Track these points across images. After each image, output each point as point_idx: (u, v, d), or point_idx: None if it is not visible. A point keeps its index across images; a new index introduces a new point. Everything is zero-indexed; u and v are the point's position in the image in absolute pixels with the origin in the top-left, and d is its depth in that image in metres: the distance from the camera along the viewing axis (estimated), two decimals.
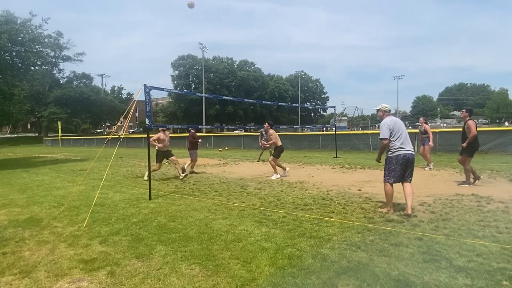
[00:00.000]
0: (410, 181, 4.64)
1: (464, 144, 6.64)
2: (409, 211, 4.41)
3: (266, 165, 11.40)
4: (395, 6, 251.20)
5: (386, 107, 4.91)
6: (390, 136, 4.60)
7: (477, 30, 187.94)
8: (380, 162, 5.12)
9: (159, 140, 8.36)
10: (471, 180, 6.60)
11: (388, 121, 4.71)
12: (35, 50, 17.13)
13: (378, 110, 4.98)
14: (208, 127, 37.82)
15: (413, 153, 4.64)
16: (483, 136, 13.71)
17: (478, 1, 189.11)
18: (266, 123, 8.97)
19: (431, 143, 9.36)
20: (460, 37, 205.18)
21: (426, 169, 9.11)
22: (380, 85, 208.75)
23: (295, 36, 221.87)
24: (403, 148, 4.56)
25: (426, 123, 9.68)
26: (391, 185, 4.64)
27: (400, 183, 4.65)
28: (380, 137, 4.66)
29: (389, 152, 4.66)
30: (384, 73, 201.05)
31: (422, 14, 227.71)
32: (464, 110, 7.09)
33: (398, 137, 4.59)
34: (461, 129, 7.14)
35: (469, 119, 6.74)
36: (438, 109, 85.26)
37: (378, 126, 5.68)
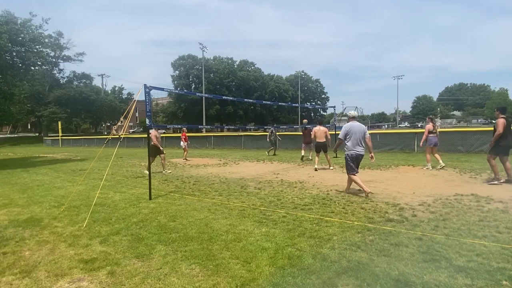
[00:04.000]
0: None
1: (490, 143, 6.83)
2: None
3: (266, 165, 11.41)
4: (396, 4, 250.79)
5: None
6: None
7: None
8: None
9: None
10: (498, 177, 6.66)
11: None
12: (35, 50, 17.12)
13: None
14: (208, 127, 37.77)
15: None
16: (483, 136, 13.72)
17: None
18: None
19: (421, 143, 9.52)
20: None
21: (425, 167, 9.14)
22: (380, 84, 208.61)
23: (297, 36, 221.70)
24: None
25: (432, 122, 9.62)
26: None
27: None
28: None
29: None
30: (385, 73, 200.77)
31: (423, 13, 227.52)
32: (495, 109, 7.09)
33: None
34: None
35: (500, 117, 6.66)
36: (438, 109, 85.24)
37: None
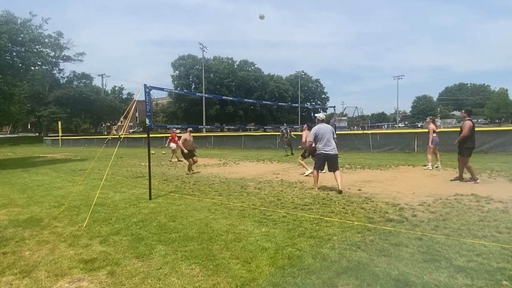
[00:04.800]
0: None
1: (455, 142, 6.97)
2: None
3: (266, 165, 11.41)
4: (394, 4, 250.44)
5: None
6: None
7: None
8: None
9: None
10: (476, 177, 6.81)
11: None
12: (35, 50, 17.12)
13: None
14: (208, 127, 37.71)
15: None
16: (483, 136, 13.72)
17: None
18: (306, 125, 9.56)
19: (429, 143, 9.37)
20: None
21: (425, 167, 9.16)
22: (379, 84, 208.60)
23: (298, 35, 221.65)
24: None
25: (433, 122, 9.68)
26: None
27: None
28: None
29: None
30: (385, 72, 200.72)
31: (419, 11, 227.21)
32: (463, 111, 7.33)
33: None
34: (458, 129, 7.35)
35: (467, 119, 6.95)
36: (438, 109, 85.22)
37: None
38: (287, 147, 16.08)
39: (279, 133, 17.45)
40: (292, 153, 15.74)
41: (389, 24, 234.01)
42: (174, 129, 15.17)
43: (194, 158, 9.86)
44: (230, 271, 2.87)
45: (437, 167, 9.17)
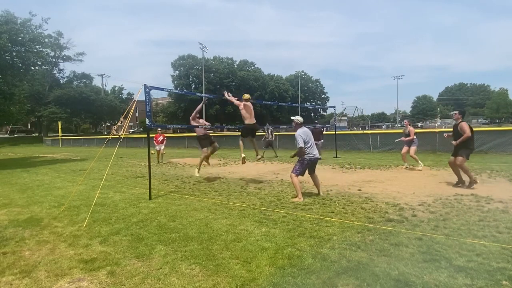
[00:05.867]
0: None
1: (455, 142, 6.73)
2: None
3: (266, 165, 11.40)
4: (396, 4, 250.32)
5: None
6: None
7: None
8: None
9: None
10: (472, 180, 6.53)
11: None
12: (35, 50, 17.10)
13: None
14: (208, 127, 37.70)
15: None
16: (483, 136, 13.72)
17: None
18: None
19: (406, 145, 9.49)
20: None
21: (419, 168, 9.15)
22: (379, 84, 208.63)
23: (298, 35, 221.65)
24: None
25: (410, 125, 9.79)
26: None
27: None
28: None
29: None
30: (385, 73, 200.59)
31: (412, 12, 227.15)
32: (456, 112, 7.15)
33: None
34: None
35: (461, 121, 6.81)
36: (438, 109, 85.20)
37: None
38: (265, 148, 14.80)
39: (264, 132, 15.72)
40: (276, 155, 14.75)
41: (389, 24, 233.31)
42: (159, 130, 14.95)
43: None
44: (230, 271, 2.87)
45: (406, 167, 9.29)
